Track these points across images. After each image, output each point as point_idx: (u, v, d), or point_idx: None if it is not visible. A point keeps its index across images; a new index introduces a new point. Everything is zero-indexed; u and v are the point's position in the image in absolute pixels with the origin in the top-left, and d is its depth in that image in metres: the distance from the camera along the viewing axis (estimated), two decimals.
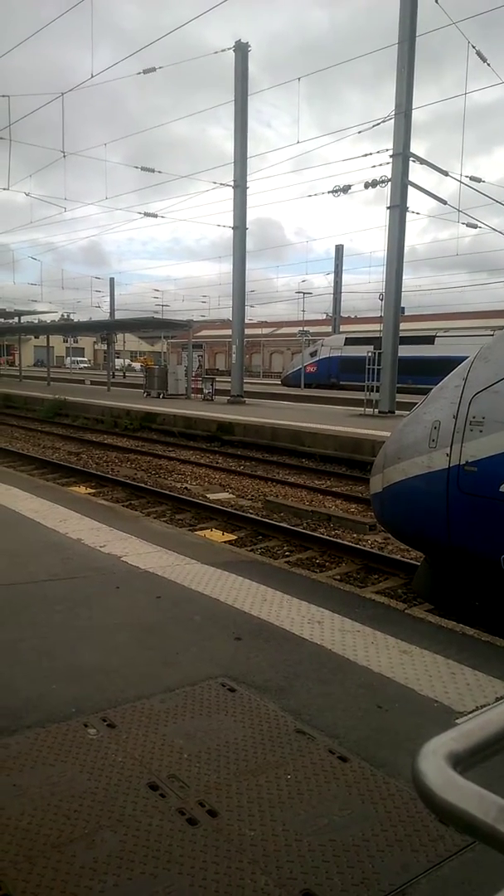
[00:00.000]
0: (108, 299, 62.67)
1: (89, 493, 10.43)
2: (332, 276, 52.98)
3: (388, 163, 19.70)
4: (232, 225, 25.64)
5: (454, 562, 4.91)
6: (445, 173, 20.05)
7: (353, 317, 67.01)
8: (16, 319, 44.55)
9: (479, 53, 18.92)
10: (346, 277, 52.57)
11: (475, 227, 22.33)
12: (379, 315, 29.67)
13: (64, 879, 2.04)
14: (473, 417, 4.44)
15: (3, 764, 2.62)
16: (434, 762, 0.82)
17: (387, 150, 19.62)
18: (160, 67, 21.70)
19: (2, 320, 46.08)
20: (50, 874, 2.06)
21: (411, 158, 19.63)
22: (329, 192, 21.79)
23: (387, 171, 19.66)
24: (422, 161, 19.94)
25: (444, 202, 21.21)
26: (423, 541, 5.26)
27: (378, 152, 19.84)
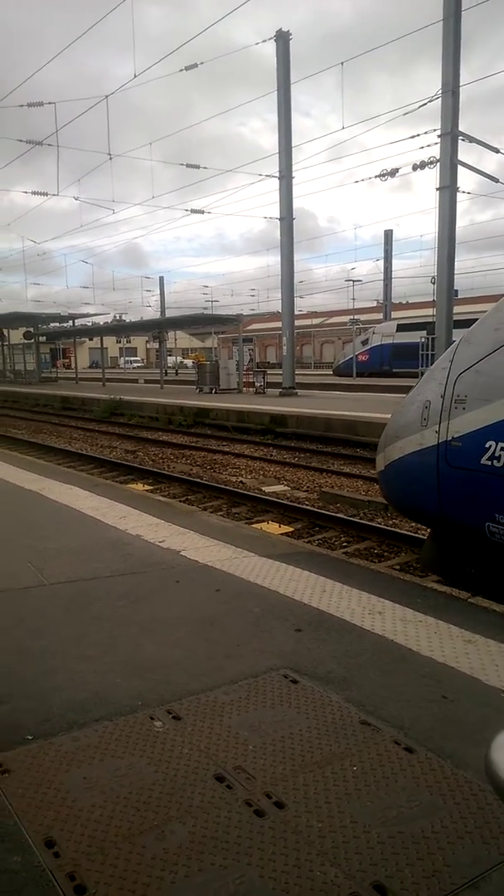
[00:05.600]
0: (155, 299, 63.34)
1: (147, 490, 10.58)
2: (380, 263, 52.24)
3: (428, 145, 19.30)
4: (279, 216, 25.55)
5: (447, 532, 5.19)
6: (497, 150, 19.52)
7: (404, 302, 65.97)
8: (70, 323, 45.47)
9: None
10: (381, 264, 51.51)
11: None
12: (430, 299, 29.13)
13: (136, 870, 2.07)
14: (458, 396, 4.69)
15: (74, 757, 2.68)
16: None
17: (434, 130, 19.21)
18: (201, 63, 21.76)
19: (56, 324, 47.06)
20: (122, 865, 2.09)
21: (460, 138, 19.16)
22: (376, 176, 21.50)
23: (420, 155, 19.26)
24: (472, 139, 19.44)
25: (496, 180, 20.66)
26: (420, 514, 5.54)
27: (426, 133, 19.45)
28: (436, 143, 19.31)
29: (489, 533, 4.54)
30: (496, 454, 4.36)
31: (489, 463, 4.41)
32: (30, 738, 2.83)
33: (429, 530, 5.78)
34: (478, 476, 4.51)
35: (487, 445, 4.42)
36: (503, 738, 0.81)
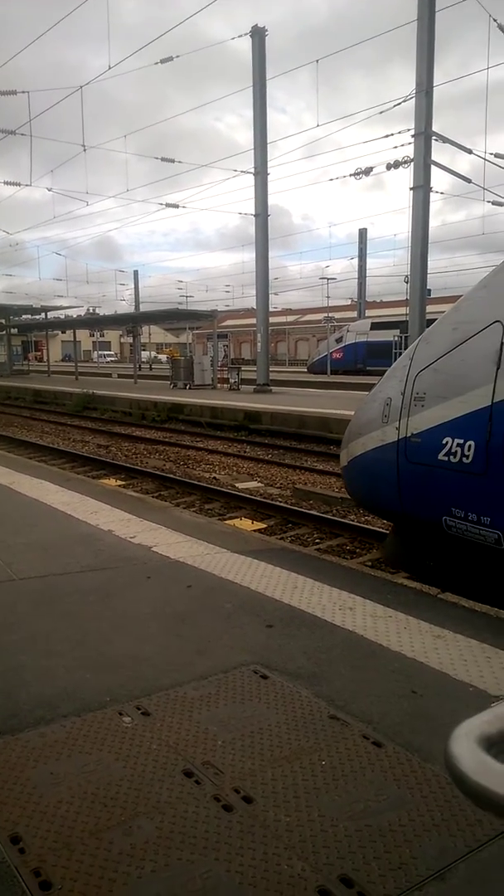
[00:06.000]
0: (129, 292, 62.96)
1: (119, 485, 10.51)
2: (354, 261, 52.47)
3: (402, 145, 19.42)
4: (254, 212, 25.52)
5: (408, 526, 5.32)
6: (469, 151, 19.70)
7: (378, 300, 66.37)
8: (42, 315, 44.96)
9: (500, 27, 18.51)
10: (356, 262, 51.75)
11: (502, 204, 21.93)
12: (403, 298, 29.34)
13: (102, 866, 2.06)
14: (417, 393, 4.82)
15: (41, 752, 2.66)
16: (467, 746, 0.80)
17: (408, 129, 19.33)
18: (177, 56, 21.63)
19: (28, 316, 46.50)
20: (88, 861, 2.08)
21: (434, 138, 19.30)
22: (351, 174, 21.56)
23: (393, 155, 19.40)
24: (445, 140, 19.60)
25: (469, 180, 20.85)
26: (381, 508, 5.67)
27: (400, 132, 19.56)
28: (409, 143, 19.43)
29: (446, 527, 4.65)
30: (452, 450, 4.48)
31: (446, 458, 4.52)
32: None
33: (391, 525, 5.88)
34: (435, 471, 4.62)
35: (444, 442, 4.54)
36: (462, 730, 0.82)
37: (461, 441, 4.42)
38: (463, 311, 4.79)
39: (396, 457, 4.94)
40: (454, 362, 4.60)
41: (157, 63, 21.86)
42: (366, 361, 40.72)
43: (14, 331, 47.98)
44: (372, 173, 21.19)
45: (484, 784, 0.76)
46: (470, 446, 4.36)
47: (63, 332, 66.32)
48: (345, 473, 5.94)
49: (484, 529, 4.36)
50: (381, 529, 7.82)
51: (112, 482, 11.04)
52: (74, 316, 54.69)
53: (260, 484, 11.34)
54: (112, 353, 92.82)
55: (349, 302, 61.48)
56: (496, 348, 4.26)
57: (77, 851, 2.12)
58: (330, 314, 52.38)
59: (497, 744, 0.81)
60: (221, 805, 2.35)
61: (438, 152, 23.25)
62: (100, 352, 79.75)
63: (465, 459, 4.39)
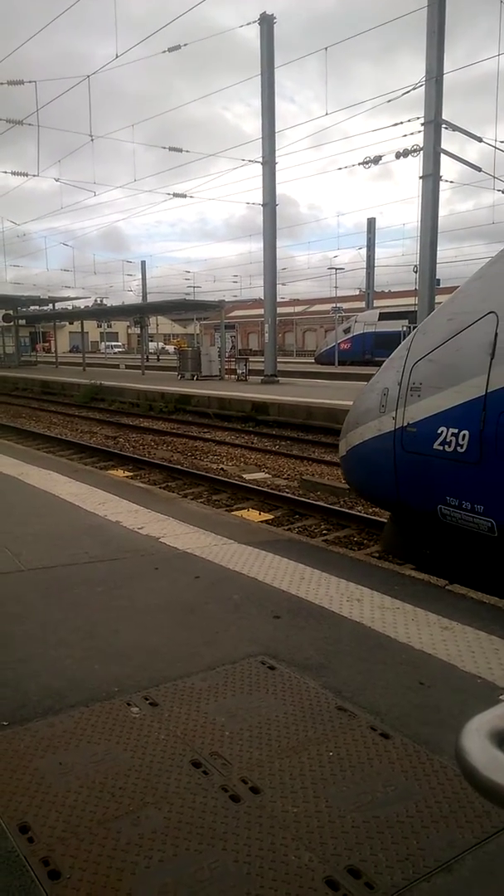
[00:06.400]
0: (137, 283, 62.88)
1: (127, 476, 10.53)
2: (363, 251, 52.19)
3: (411, 133, 19.28)
4: (261, 202, 25.41)
5: (404, 515, 5.41)
6: (479, 139, 19.54)
7: (386, 291, 66.07)
8: (50, 306, 45.00)
9: None
10: (364, 252, 51.42)
11: None
12: (412, 288, 29.19)
13: (110, 855, 2.07)
14: (413, 384, 4.90)
15: (49, 743, 2.67)
16: (477, 740, 0.80)
17: (417, 118, 19.18)
18: (185, 45, 21.50)
19: (36, 307, 46.54)
20: (96, 850, 2.09)
21: (444, 126, 19.15)
22: (360, 163, 21.42)
23: (402, 144, 19.25)
24: (455, 128, 19.44)
25: (479, 169, 20.68)
26: (378, 497, 5.77)
27: (409, 121, 19.41)
28: (419, 132, 19.30)
29: (441, 515, 4.72)
30: (447, 440, 4.55)
31: (441, 448, 4.59)
32: (5, 723, 2.81)
33: (389, 514, 5.96)
34: (431, 461, 4.69)
35: (440, 431, 4.60)
36: (473, 725, 0.81)
37: (456, 430, 4.49)
38: (458, 302, 4.84)
39: (393, 446, 5.02)
40: (449, 353, 4.66)
41: (164, 52, 21.72)
42: (374, 352, 40.54)
43: (22, 322, 48.04)
44: (381, 162, 21.05)
45: (494, 779, 0.76)
46: (464, 436, 4.43)
47: (71, 323, 66.36)
48: (343, 463, 6.03)
49: (478, 517, 4.43)
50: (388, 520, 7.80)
51: (120, 473, 11.06)
52: (82, 307, 54.65)
53: (267, 475, 11.33)
54: (120, 343, 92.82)
55: (357, 292, 61.22)
56: (490, 339, 4.32)
57: (85, 841, 2.13)
58: (338, 304, 52.19)
59: None
60: (229, 795, 2.36)
61: (447, 141, 23.10)
62: (107, 343, 79.80)
63: (459, 449, 4.46)
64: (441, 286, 23.61)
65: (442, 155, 19.44)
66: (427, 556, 5.32)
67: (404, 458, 4.93)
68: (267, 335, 26.61)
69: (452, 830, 2.19)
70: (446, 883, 1.98)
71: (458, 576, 4.81)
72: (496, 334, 4.28)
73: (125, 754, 2.60)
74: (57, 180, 27.14)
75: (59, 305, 45.85)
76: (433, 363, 4.78)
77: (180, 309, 43.62)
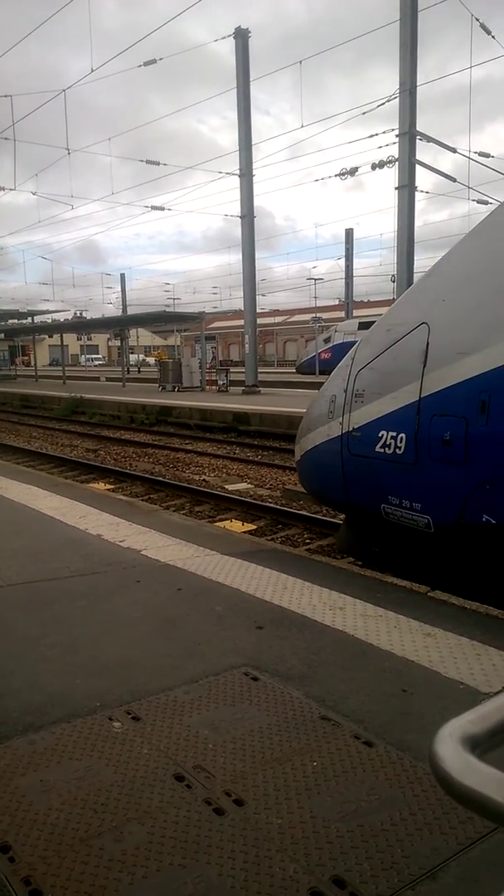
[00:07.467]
0: (116, 296, 62.79)
1: (108, 489, 10.47)
2: (341, 261, 52.51)
3: (386, 145, 19.50)
4: (239, 214, 25.52)
5: (353, 515, 5.69)
6: (453, 150, 19.79)
7: (365, 300, 66.51)
8: (29, 320, 44.77)
9: (483, 26, 18.61)
10: (342, 262, 51.76)
11: (486, 203, 22.03)
12: (390, 298, 29.41)
13: (93, 873, 2.04)
14: (357, 390, 5.19)
15: (30, 760, 2.64)
16: (451, 746, 0.80)
17: (392, 129, 19.39)
18: (160, 59, 21.61)
19: (15, 321, 46.29)
20: (79, 868, 2.06)
21: (418, 137, 19.37)
22: (337, 175, 21.61)
23: (377, 155, 19.46)
24: (429, 139, 19.67)
25: (454, 179, 20.93)
26: (330, 499, 6.08)
27: (384, 132, 19.62)
28: (394, 143, 19.50)
29: (384, 514, 4.97)
30: (387, 442, 4.81)
31: (382, 451, 4.85)
32: None
33: (343, 515, 6.22)
34: (374, 462, 4.94)
35: (380, 435, 4.87)
36: (446, 731, 0.81)
37: (394, 434, 4.77)
38: (395, 314, 5.16)
39: (341, 450, 5.28)
40: (387, 361, 4.95)
41: (139, 66, 21.86)
42: None
43: (0, 336, 47.75)
44: (357, 173, 21.26)
45: (468, 785, 0.75)
46: (402, 438, 4.70)
47: (50, 337, 66.05)
48: (298, 467, 6.31)
49: (416, 515, 4.70)
50: None
51: (101, 486, 11.00)
52: (61, 320, 54.43)
53: (250, 485, 11.32)
54: (100, 356, 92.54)
55: (336, 302, 61.56)
56: (423, 348, 4.62)
57: (68, 859, 2.10)
58: (318, 314, 52.42)
59: (481, 744, 0.81)
60: (213, 808, 2.34)
61: (421, 152, 23.40)
62: (87, 355, 79.53)
63: (398, 451, 4.73)
64: None
65: (417, 166, 19.65)
66: (375, 554, 5.60)
67: (351, 460, 5.19)
68: (247, 346, 26.66)
69: (436, 837, 2.19)
70: (431, 890, 1.98)
71: (399, 570, 5.10)
72: (427, 343, 4.58)
73: (107, 770, 2.57)
74: (34, 194, 27.17)
75: (38, 319, 45.66)
76: (374, 371, 5.07)
77: (161, 321, 43.62)
